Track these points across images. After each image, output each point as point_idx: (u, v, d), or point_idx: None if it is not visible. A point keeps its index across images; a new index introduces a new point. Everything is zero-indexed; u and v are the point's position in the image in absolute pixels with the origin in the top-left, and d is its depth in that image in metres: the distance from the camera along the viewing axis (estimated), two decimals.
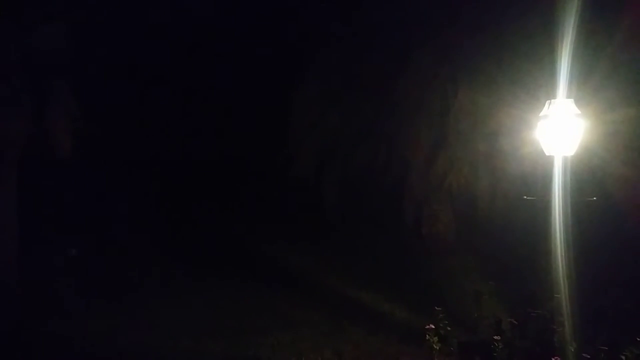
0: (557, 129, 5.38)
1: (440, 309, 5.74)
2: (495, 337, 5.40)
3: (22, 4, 9.01)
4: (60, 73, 9.55)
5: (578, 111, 5.40)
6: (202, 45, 12.41)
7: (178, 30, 12.11)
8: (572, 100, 5.47)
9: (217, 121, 12.62)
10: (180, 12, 12.10)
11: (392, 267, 9.98)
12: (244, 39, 12.33)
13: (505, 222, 9.43)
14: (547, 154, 5.60)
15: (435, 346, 5.39)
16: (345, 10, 10.98)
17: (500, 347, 5.29)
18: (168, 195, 12.31)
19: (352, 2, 11.05)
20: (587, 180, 6.87)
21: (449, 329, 5.61)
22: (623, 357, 4.95)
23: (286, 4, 11.92)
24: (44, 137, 9.28)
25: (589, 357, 5.03)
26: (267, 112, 11.99)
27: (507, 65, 9.29)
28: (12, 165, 9.27)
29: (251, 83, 12.28)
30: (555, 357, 5.03)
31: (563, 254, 5.75)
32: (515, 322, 5.68)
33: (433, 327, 5.49)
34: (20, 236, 9.28)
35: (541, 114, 5.52)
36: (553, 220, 5.69)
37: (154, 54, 11.85)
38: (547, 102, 5.51)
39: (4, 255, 9.05)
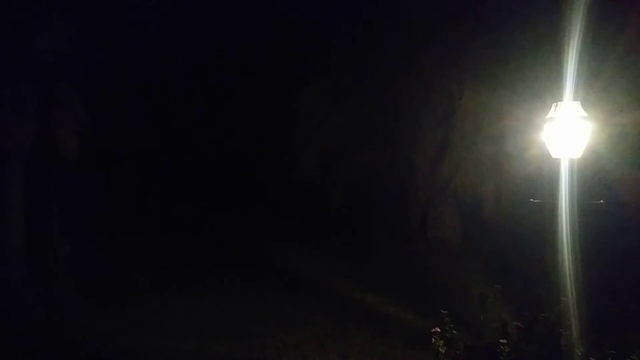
0: (564, 132, 5.35)
1: (446, 312, 5.70)
2: (501, 341, 5.36)
3: (29, 6, 9.06)
4: (67, 74, 9.60)
5: (585, 113, 5.37)
6: (206, 46, 12.43)
7: (183, 31, 12.14)
8: (578, 102, 5.44)
9: (222, 122, 12.64)
10: (186, 13, 12.14)
11: (398, 269, 9.96)
12: (249, 40, 12.34)
13: (511, 224, 9.37)
14: (553, 156, 5.57)
15: (441, 350, 5.36)
16: (350, 12, 10.97)
17: (506, 350, 5.25)
18: (172, 196, 12.33)
19: (357, 3, 11.04)
20: (593, 183, 6.82)
21: (454, 332, 5.57)
22: None
23: (291, 5, 11.92)
24: (51, 138, 9.33)
25: None
26: (272, 113, 11.99)
27: (513, 67, 9.24)
28: (19, 165, 9.32)
29: (256, 84, 12.29)
30: None
31: (570, 257, 5.71)
32: (521, 325, 5.63)
33: (439, 330, 5.46)
34: (26, 235, 9.33)
35: (547, 116, 5.49)
36: (559, 223, 5.66)
37: (159, 55, 11.88)
38: (554, 104, 5.48)
39: (10, 254, 9.11)
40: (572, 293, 5.57)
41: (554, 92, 6.11)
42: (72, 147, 9.49)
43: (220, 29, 12.31)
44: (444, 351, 5.37)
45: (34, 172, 9.52)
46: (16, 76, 8.99)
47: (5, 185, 9.24)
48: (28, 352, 6.73)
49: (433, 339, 5.40)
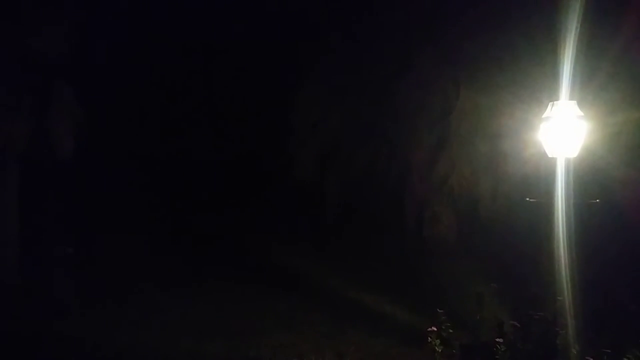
0: (560, 131, 5.36)
1: (442, 311, 5.71)
2: (497, 340, 5.37)
3: (24, 5, 9.02)
4: (62, 73, 9.57)
5: (581, 113, 5.38)
6: (204, 47, 12.40)
7: (180, 31, 12.10)
8: (574, 102, 5.45)
9: (219, 122, 12.62)
10: (182, 13, 12.10)
11: (394, 268, 9.96)
12: (246, 40, 12.31)
13: (507, 223, 9.40)
14: (549, 155, 5.58)
15: (437, 349, 5.36)
16: (347, 12, 10.97)
17: (502, 349, 5.26)
18: (169, 195, 12.30)
19: (354, 4, 11.04)
20: (589, 182, 6.84)
21: (451, 331, 5.57)
22: None
23: (288, 6, 11.91)
24: (46, 137, 9.30)
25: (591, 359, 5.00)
26: (270, 113, 11.98)
27: (510, 67, 9.27)
28: (13, 164, 9.29)
29: (253, 84, 12.27)
30: None
31: (565, 256, 5.72)
32: (517, 324, 5.65)
33: (435, 329, 5.47)
34: (21, 235, 9.29)
35: (544, 115, 5.50)
36: (555, 222, 5.67)
37: (156, 54, 11.84)
38: (550, 103, 5.49)
39: (5, 255, 9.07)
40: (567, 292, 5.58)
41: (550, 91, 6.13)
42: (67, 146, 9.46)
43: (219, 29, 12.27)
44: (440, 350, 5.37)
45: (29, 171, 9.49)
46: (11, 75, 8.95)
47: (0, 185, 9.20)
48: (26, 351, 6.71)
49: (429, 338, 5.40)
